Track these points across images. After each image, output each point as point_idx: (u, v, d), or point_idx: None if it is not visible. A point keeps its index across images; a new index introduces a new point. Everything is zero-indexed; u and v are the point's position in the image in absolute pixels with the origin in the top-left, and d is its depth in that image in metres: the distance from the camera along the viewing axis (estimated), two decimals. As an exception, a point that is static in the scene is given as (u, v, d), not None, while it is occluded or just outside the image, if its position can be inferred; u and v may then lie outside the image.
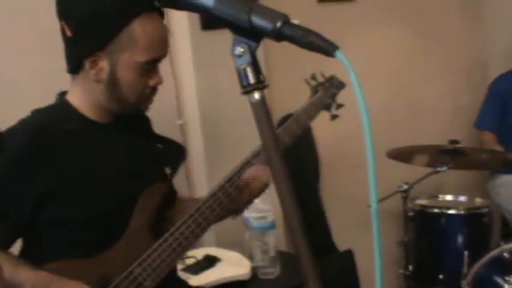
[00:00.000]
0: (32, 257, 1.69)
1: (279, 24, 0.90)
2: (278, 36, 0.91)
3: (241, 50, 0.93)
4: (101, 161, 1.74)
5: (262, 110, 0.93)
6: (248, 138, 3.19)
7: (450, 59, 4.13)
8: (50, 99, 1.84)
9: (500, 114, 3.80)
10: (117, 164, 1.78)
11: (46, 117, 1.74)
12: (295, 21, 0.91)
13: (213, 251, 2.76)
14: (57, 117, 1.74)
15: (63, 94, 1.82)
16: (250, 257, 2.69)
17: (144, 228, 1.77)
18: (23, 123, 1.72)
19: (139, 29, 1.65)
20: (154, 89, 1.78)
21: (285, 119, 3.35)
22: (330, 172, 3.46)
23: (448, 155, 3.13)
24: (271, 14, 0.91)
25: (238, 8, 0.91)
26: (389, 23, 3.86)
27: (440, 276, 3.20)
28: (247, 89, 0.94)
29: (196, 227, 1.78)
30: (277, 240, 2.77)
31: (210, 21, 2.88)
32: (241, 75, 0.93)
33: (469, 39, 4.28)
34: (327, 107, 2.22)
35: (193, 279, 2.41)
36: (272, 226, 2.69)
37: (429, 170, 3.17)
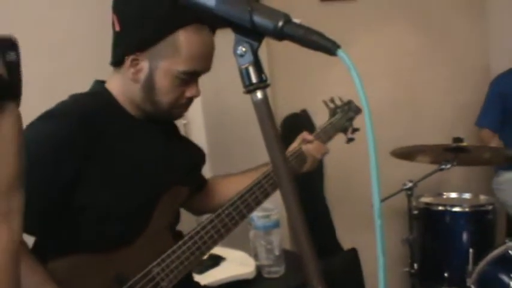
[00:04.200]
0: (48, 248, 1.67)
1: (280, 23, 0.91)
2: (280, 35, 0.91)
3: (243, 49, 0.93)
4: (136, 155, 1.74)
5: (264, 109, 0.94)
6: (252, 138, 3.21)
7: (453, 57, 4.14)
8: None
9: (501, 113, 3.81)
10: (150, 160, 1.78)
11: (90, 103, 1.73)
12: (296, 20, 0.91)
13: (217, 250, 2.76)
14: (100, 104, 1.74)
15: (100, 82, 1.82)
16: (255, 256, 2.69)
17: (165, 228, 1.78)
18: (67, 106, 1.69)
19: (183, 39, 1.67)
20: (189, 100, 1.80)
21: (288, 119, 3.38)
22: (334, 171, 3.47)
23: (452, 153, 3.14)
24: (272, 13, 0.91)
25: (239, 7, 0.92)
26: (391, 22, 3.87)
27: (446, 274, 3.20)
28: (250, 88, 0.95)
29: (215, 233, 1.81)
30: (281, 239, 2.78)
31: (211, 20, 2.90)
32: (244, 75, 0.94)
33: (471, 37, 4.29)
34: (344, 130, 2.31)
35: (198, 279, 2.41)
36: (276, 225, 2.69)
37: (433, 167, 3.18)
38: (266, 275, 2.65)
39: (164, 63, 1.68)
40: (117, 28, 1.70)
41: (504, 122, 3.79)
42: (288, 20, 0.91)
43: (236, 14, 0.92)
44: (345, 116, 2.34)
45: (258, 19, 0.91)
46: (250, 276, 2.59)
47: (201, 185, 2.10)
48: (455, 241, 3.23)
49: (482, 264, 2.98)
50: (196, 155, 2.06)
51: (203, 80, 2.97)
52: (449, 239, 3.25)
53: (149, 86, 1.72)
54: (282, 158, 0.91)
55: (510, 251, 2.92)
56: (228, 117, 3.03)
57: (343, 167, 3.47)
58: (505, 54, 4.16)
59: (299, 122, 3.37)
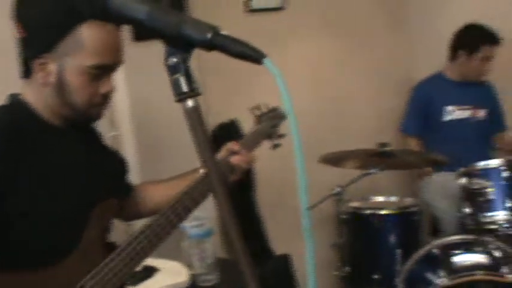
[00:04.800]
0: None
1: (209, 35, 0.95)
2: (209, 46, 0.95)
3: (175, 60, 0.97)
4: (59, 167, 1.71)
5: (195, 117, 0.97)
6: (182, 148, 3.23)
7: (376, 65, 4.26)
8: None
9: (424, 118, 3.93)
10: (74, 172, 1.75)
11: (7, 116, 1.70)
12: (224, 32, 0.95)
13: (151, 261, 2.76)
14: (18, 116, 1.71)
15: (15, 95, 1.78)
16: (189, 265, 2.71)
17: (98, 241, 1.76)
18: None
19: (86, 33, 1.64)
20: (105, 97, 1.76)
21: (217, 129, 3.42)
22: (266, 178, 3.52)
23: (378, 158, 3.23)
24: (202, 25, 0.95)
25: (170, 20, 0.95)
26: (317, 31, 3.96)
27: (375, 276, 3.27)
28: (181, 97, 0.98)
29: (148, 243, 1.79)
30: (214, 247, 2.81)
31: (141, 32, 2.91)
32: (175, 85, 0.97)
33: (393, 45, 4.42)
34: (270, 136, 2.34)
35: (133, 291, 2.42)
36: (209, 233, 2.72)
37: (360, 172, 3.26)
38: (201, 284, 2.68)
39: (71, 60, 1.66)
40: (22, 35, 1.67)
41: (426, 126, 3.92)
42: (216, 31, 0.95)
43: (167, 26, 0.95)
44: (271, 122, 2.36)
45: (188, 31, 0.95)
46: (184, 286, 2.61)
47: (127, 192, 2.08)
48: (384, 243, 3.31)
49: (409, 263, 3.08)
50: (119, 163, 2.03)
51: (132, 90, 2.99)
52: (377, 241, 3.33)
53: (61, 87, 1.68)
54: (214, 164, 0.94)
55: (434, 250, 3.04)
56: (158, 129, 3.04)
57: (275, 174, 3.52)
58: (426, 61, 4.31)
59: (228, 132, 3.40)
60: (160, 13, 0.96)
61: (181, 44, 0.96)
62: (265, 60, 0.91)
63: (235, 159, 2.09)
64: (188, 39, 0.95)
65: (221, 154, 2.12)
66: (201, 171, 2.01)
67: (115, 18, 0.97)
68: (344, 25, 4.09)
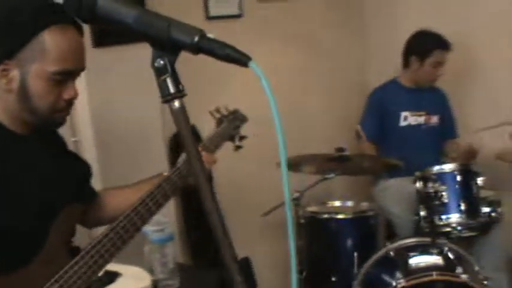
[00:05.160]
0: None
1: (196, 38, 0.98)
2: (196, 49, 0.98)
3: (162, 62, 1.00)
4: (18, 174, 1.72)
5: (182, 117, 1.00)
6: (142, 153, 3.26)
7: (332, 72, 4.34)
8: None
9: (379, 124, 4.01)
10: (35, 179, 1.76)
11: None
12: (210, 35, 0.99)
13: (113, 266, 2.76)
14: None
15: None
16: (150, 270, 2.72)
17: (61, 246, 1.76)
18: None
19: (49, 39, 1.65)
20: (69, 103, 1.77)
21: (176, 135, 3.43)
22: (225, 181, 3.54)
23: (335, 163, 3.29)
24: (189, 29, 0.99)
25: (157, 24, 0.98)
26: (273, 38, 4.02)
27: (333, 279, 3.32)
28: (168, 98, 1.01)
29: (111, 246, 1.80)
30: (175, 252, 2.83)
31: (101, 38, 2.93)
32: (162, 86, 1.00)
33: (349, 53, 4.51)
34: (231, 138, 2.38)
35: (94, 297, 2.41)
36: (171, 238, 2.74)
37: (318, 177, 3.32)
38: (162, 288, 2.69)
39: (34, 66, 1.66)
40: None
41: (382, 132, 4.00)
42: (203, 35, 0.99)
43: (154, 29, 0.98)
44: (231, 124, 2.40)
45: (175, 34, 0.98)
46: (146, 291, 2.62)
47: (91, 197, 2.08)
48: (341, 246, 3.37)
49: (366, 266, 3.15)
50: (83, 168, 2.04)
51: (92, 96, 2.99)
52: (335, 245, 3.39)
53: (24, 93, 1.68)
54: (200, 162, 0.97)
55: (390, 252, 3.12)
56: (118, 135, 3.05)
57: (233, 176, 3.56)
58: (381, 68, 4.40)
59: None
60: (148, 17, 0.99)
61: (168, 47, 0.99)
62: (251, 63, 0.95)
63: None
64: (175, 43, 0.98)
65: (182, 156, 2.13)
66: (164, 174, 2.04)
67: (103, 22, 0.99)
68: (300, 33, 4.16)
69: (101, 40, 2.94)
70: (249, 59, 0.97)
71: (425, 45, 3.92)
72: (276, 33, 4.03)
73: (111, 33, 2.81)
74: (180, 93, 1.02)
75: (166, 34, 0.97)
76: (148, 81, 3.23)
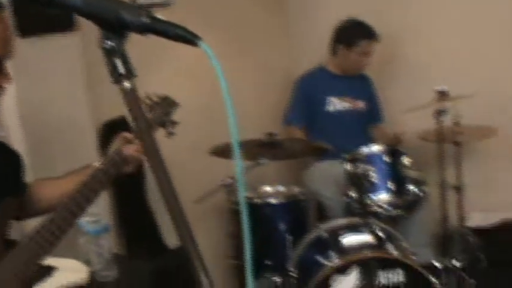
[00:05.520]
0: None
1: (146, 19, 1.00)
2: (145, 29, 1.00)
3: (111, 44, 1.01)
4: None
5: (132, 97, 1.02)
6: (72, 147, 3.22)
7: (261, 61, 4.39)
8: None
9: (306, 109, 4.09)
10: None
11: None
12: (160, 16, 1.00)
13: (47, 260, 2.73)
14: None
15: None
16: (87, 262, 2.70)
17: None
18: None
19: None
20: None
21: (105, 125, 3.41)
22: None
23: (266, 148, 3.33)
24: (138, 10, 1.00)
25: (106, 5, 0.99)
26: (202, 27, 4.00)
27: (268, 262, 3.38)
28: (118, 79, 1.02)
29: (51, 236, 1.80)
30: (111, 242, 2.82)
31: (26, 28, 2.86)
32: (112, 67, 1.01)
33: (276, 41, 4.57)
34: (163, 125, 2.37)
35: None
36: (107, 229, 2.73)
37: (250, 163, 3.36)
38: (100, 280, 2.68)
39: None
40: None
41: (310, 117, 4.08)
42: (152, 15, 1.00)
43: (104, 11, 0.99)
44: (163, 111, 2.40)
45: (124, 16, 0.99)
46: (84, 282, 2.60)
47: (24, 189, 2.06)
48: (274, 230, 3.43)
49: (299, 248, 3.23)
50: (14, 159, 2.02)
51: (19, 89, 2.93)
52: (269, 229, 3.44)
53: None
54: (152, 142, 0.99)
55: (322, 233, 3.20)
56: (48, 128, 3.00)
57: (166, 164, 3.55)
58: (307, 55, 4.48)
59: (117, 129, 3.39)
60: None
61: (117, 28, 1.00)
62: (201, 43, 0.98)
63: (129, 150, 2.10)
64: (124, 24, 0.99)
65: (115, 145, 2.12)
66: (95, 164, 2.02)
67: (52, 4, 0.99)
68: (229, 23, 4.18)
69: (26, 30, 2.87)
70: (199, 38, 0.99)
71: (352, 34, 4.01)
72: (204, 23, 4.03)
73: (37, 22, 2.77)
74: (130, 74, 1.03)
75: (115, 15, 0.99)
76: (76, 71, 3.21)
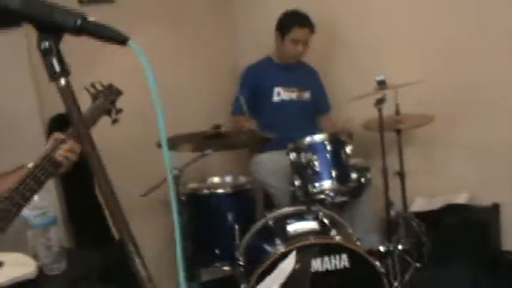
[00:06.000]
0: None
1: (79, 21, 1.06)
2: (78, 31, 1.06)
3: (47, 44, 1.06)
4: None
5: (68, 94, 1.07)
6: (21, 141, 3.21)
7: (207, 54, 4.44)
8: None
9: (253, 99, 4.15)
10: None
11: None
12: (91, 18, 1.06)
13: (-6, 255, 2.73)
14: None
15: None
16: (35, 256, 2.71)
17: None
18: None
19: None
20: None
21: (53, 119, 3.41)
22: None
23: (212, 139, 3.38)
24: (71, 12, 1.06)
25: (42, 8, 1.05)
26: (149, 23, 4.05)
27: (217, 252, 3.47)
28: (55, 77, 1.08)
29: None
30: (59, 235, 2.83)
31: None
32: (49, 66, 1.07)
33: (222, 35, 4.63)
34: (108, 112, 2.42)
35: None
36: (54, 221, 2.73)
37: (196, 154, 3.41)
38: (48, 273, 2.69)
39: None
40: None
41: (256, 108, 4.14)
42: (84, 18, 1.06)
43: (39, 14, 1.05)
44: (107, 99, 2.45)
45: (59, 18, 1.05)
46: (32, 276, 2.61)
47: None
48: (222, 220, 3.51)
49: (247, 237, 3.30)
50: None
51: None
52: (216, 219, 3.53)
53: None
54: (89, 138, 1.04)
55: (269, 222, 3.28)
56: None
57: (113, 157, 3.56)
58: (253, 48, 4.55)
59: (65, 123, 3.40)
60: (33, 2, 1.05)
61: (52, 29, 1.06)
62: (130, 42, 1.04)
63: (60, 154, 2.13)
64: (59, 25, 1.05)
65: (47, 146, 2.15)
66: (29, 165, 2.06)
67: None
68: (175, 18, 4.22)
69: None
70: (127, 38, 1.06)
71: (285, 22, 4.12)
72: (150, 18, 4.07)
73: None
74: (65, 72, 1.09)
75: (50, 18, 1.04)
76: (23, 66, 3.20)
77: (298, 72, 4.27)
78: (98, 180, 1.07)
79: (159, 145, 3.38)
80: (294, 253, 2.91)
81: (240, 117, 4.11)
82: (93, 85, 2.43)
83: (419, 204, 4.14)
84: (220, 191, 3.54)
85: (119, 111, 2.47)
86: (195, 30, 4.37)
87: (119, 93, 2.49)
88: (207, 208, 3.53)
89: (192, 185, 3.62)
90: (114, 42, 1.07)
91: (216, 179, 3.76)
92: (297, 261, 2.89)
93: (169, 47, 4.15)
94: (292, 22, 4.09)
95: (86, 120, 2.27)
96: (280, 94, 4.18)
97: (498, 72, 3.95)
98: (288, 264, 2.86)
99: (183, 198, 3.48)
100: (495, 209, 4.04)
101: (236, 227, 3.45)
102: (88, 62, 3.26)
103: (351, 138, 3.62)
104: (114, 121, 2.47)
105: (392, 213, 3.80)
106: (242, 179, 3.71)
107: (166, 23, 4.15)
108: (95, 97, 2.43)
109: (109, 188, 1.07)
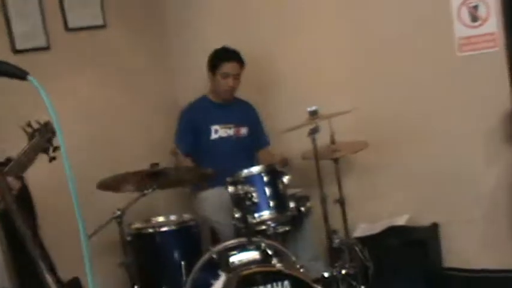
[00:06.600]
0: None
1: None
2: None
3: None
4: None
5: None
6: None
7: (144, 94, 4.52)
8: None
9: (192, 138, 4.24)
10: None
11: None
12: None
13: None
14: None
15: None
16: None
17: None
18: None
19: None
20: None
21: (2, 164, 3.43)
22: (45, 206, 3.56)
23: (153, 178, 3.44)
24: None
25: None
26: (84, 68, 4.12)
27: (165, 290, 3.50)
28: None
29: None
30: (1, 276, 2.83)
31: None
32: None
33: (159, 77, 4.73)
34: (45, 150, 2.45)
35: None
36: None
37: (137, 194, 3.45)
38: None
39: None
40: None
41: (196, 145, 4.23)
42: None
43: None
44: (44, 137, 2.48)
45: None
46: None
47: None
48: (168, 257, 3.56)
49: (193, 272, 3.34)
50: None
51: None
52: (162, 257, 3.57)
53: None
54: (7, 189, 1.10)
55: (213, 255, 3.33)
56: None
57: (56, 199, 3.58)
58: (190, 86, 4.65)
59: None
60: None
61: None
62: (29, 77, 1.11)
63: None
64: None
65: None
66: None
67: None
68: (110, 64, 4.30)
69: None
70: (27, 73, 1.12)
71: (214, 59, 4.25)
72: (84, 64, 4.14)
73: None
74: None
75: None
76: None
77: (235, 109, 4.38)
78: (17, 224, 1.12)
79: (99, 186, 3.43)
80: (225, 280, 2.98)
81: (181, 159, 4.19)
82: (29, 124, 2.46)
83: (361, 229, 4.24)
84: (164, 228, 3.59)
85: (55, 148, 2.50)
86: (132, 74, 4.45)
87: (55, 131, 2.53)
88: (153, 247, 3.57)
89: (137, 225, 3.65)
90: (14, 77, 1.13)
91: (161, 218, 3.79)
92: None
93: (106, 91, 4.22)
94: (221, 58, 4.22)
95: (22, 160, 2.30)
96: (218, 131, 4.27)
97: (427, 99, 4.13)
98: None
99: (128, 238, 3.50)
100: (434, 228, 4.17)
101: (182, 263, 3.49)
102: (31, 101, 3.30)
103: (288, 167, 3.71)
104: (51, 159, 2.51)
105: (336, 240, 3.89)
106: (186, 216, 3.75)
107: (103, 68, 4.24)
108: (31, 136, 2.46)
109: (28, 232, 1.12)
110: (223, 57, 4.22)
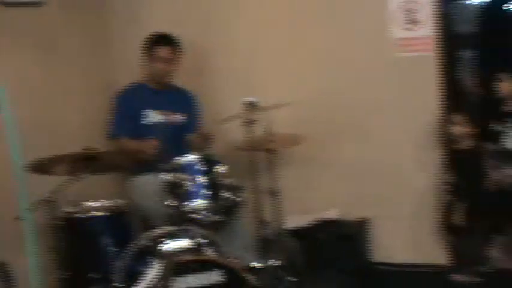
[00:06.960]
0: None
1: None
2: None
3: None
4: None
5: None
6: None
7: (81, 75, 4.43)
8: None
9: (128, 121, 4.21)
10: None
11: None
12: None
13: None
14: None
15: None
16: None
17: None
18: None
19: None
20: None
21: None
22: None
23: (86, 162, 3.36)
24: None
25: None
26: (18, 46, 4.01)
27: (94, 275, 3.45)
28: None
29: None
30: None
31: None
32: None
33: (96, 56, 4.64)
34: None
35: None
36: None
37: (70, 178, 3.38)
38: None
39: None
40: None
41: (131, 129, 4.20)
42: None
43: None
44: None
45: None
46: None
47: None
48: (99, 243, 3.51)
49: (124, 259, 3.31)
50: None
51: None
52: (93, 243, 3.52)
53: None
54: None
55: (145, 243, 3.31)
56: None
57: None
58: (127, 72, 4.59)
59: None
60: None
61: None
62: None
63: None
64: None
65: None
66: None
67: None
68: (46, 42, 4.20)
69: None
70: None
71: (149, 43, 4.26)
72: (21, 41, 4.03)
73: None
74: None
75: None
76: None
77: (171, 96, 4.37)
78: None
79: (27, 169, 3.35)
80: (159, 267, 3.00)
81: (119, 141, 4.15)
82: None
83: (293, 221, 4.28)
84: (95, 213, 3.55)
85: None
86: (69, 54, 4.36)
87: None
88: (84, 231, 3.53)
89: (68, 209, 3.58)
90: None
91: (92, 203, 3.73)
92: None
93: (42, 72, 4.13)
94: (155, 42, 4.24)
95: None
96: (152, 117, 4.25)
97: (364, 97, 4.22)
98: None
99: (58, 222, 3.43)
100: (364, 223, 4.26)
101: (113, 249, 3.45)
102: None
103: (211, 141, 3.69)
104: None
105: (268, 231, 3.93)
106: (118, 202, 3.71)
107: (38, 47, 4.14)
108: None
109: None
110: (157, 41, 4.24)
